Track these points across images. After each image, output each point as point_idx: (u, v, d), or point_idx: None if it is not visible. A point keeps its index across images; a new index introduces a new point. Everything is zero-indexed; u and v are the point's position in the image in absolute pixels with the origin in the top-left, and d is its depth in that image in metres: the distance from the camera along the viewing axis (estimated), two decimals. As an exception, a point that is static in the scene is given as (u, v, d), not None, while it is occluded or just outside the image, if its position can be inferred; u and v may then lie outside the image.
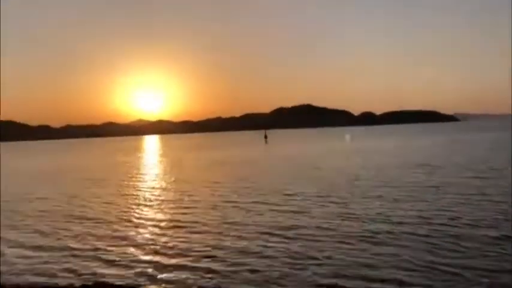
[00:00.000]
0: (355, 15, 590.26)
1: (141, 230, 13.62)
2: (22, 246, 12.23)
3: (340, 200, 16.98)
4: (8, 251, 11.74)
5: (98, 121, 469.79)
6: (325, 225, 12.88)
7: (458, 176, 22.36)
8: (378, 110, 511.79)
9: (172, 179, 28.20)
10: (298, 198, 18.08)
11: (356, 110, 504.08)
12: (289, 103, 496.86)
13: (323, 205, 16.20)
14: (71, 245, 12.04)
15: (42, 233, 13.78)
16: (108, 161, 51.99)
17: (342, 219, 13.58)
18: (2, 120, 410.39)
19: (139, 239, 12.56)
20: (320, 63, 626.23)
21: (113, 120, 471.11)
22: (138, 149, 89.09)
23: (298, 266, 9.38)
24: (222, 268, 9.48)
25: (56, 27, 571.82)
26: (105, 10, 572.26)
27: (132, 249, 11.40)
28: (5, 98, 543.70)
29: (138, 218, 15.58)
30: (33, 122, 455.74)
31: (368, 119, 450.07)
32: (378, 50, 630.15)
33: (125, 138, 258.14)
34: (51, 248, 11.88)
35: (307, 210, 15.35)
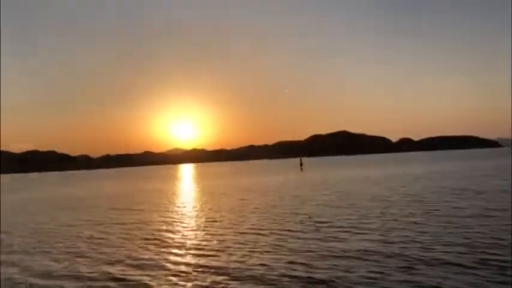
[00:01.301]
0: (391, 40, 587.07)
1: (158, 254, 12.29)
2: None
3: (370, 227, 15.30)
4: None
5: (136, 151, 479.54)
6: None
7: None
8: (416, 136, 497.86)
9: (200, 205, 26.97)
10: (326, 225, 16.47)
11: (394, 137, 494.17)
12: (325, 130, 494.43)
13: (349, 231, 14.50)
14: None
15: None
16: (141, 187, 51.49)
17: (358, 240, 11.87)
18: (43, 151, 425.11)
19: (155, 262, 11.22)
20: (356, 89, 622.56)
21: (150, 149, 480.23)
22: (172, 176, 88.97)
23: None
24: None
25: (97, 58, 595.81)
26: (143, 43, 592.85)
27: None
28: (46, 128, 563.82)
29: (159, 242, 14.30)
30: (74, 152, 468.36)
31: (406, 145, 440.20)
32: (414, 75, 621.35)
33: (161, 166, 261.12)
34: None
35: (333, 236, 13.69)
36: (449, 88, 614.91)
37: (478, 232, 14.09)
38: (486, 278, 9.43)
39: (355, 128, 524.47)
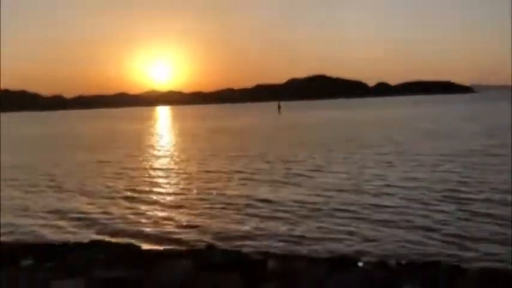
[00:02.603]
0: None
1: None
2: None
3: (339, 169, 15.52)
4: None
5: (111, 92, 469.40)
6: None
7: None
8: (393, 80, 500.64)
9: (171, 148, 26.82)
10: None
11: (371, 81, 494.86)
12: (302, 74, 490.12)
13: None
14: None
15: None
16: (113, 128, 50.81)
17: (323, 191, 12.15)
18: (13, 90, 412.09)
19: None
20: (333, 32, 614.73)
21: (126, 91, 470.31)
22: (146, 118, 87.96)
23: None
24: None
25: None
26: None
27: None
28: (16, 68, 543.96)
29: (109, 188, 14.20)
30: (46, 92, 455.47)
31: (383, 89, 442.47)
32: (392, 20, 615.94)
33: (136, 108, 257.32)
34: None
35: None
36: (427, 34, 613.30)
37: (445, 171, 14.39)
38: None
39: (333, 71, 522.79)
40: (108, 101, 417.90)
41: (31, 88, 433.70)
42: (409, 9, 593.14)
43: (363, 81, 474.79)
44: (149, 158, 21.40)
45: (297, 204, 10.59)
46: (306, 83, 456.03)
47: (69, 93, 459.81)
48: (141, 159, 21.00)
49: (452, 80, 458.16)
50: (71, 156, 23.39)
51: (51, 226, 9.77)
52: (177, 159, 20.49)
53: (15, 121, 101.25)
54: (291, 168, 16.01)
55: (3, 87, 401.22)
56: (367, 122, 42.86)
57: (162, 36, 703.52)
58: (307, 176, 14.36)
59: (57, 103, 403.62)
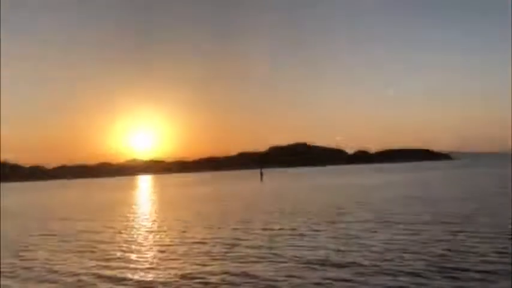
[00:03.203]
0: (350, 54, 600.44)
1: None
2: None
3: (320, 239, 14.91)
4: None
5: (92, 162, 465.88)
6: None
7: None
8: (372, 148, 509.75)
9: (146, 217, 25.92)
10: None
11: (350, 148, 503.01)
12: (284, 141, 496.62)
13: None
14: None
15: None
16: (93, 198, 49.49)
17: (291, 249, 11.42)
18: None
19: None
20: (314, 103, 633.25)
21: (107, 161, 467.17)
22: (128, 187, 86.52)
23: None
24: None
25: (52, 66, 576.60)
26: (101, 53, 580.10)
27: None
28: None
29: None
30: (26, 162, 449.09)
31: (362, 157, 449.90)
32: (372, 90, 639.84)
33: (118, 178, 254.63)
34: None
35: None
36: (405, 103, 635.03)
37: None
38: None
39: (314, 140, 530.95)
40: (90, 171, 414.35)
41: (10, 159, 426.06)
42: (390, 77, 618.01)
43: (343, 148, 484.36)
44: (121, 229, 20.41)
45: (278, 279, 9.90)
46: (287, 150, 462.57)
47: (50, 164, 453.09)
48: (112, 230, 20.01)
49: (430, 148, 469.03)
50: (39, 225, 22.29)
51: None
52: (152, 230, 19.59)
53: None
54: (271, 237, 15.36)
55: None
56: (346, 188, 42.66)
57: (143, 105, 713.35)
58: (289, 246, 13.70)
59: (37, 173, 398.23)
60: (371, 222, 17.80)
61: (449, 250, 11.89)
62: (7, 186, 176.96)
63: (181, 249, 14.08)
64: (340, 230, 16.34)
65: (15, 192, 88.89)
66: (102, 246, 15.55)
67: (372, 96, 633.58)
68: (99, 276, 11.02)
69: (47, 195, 69.01)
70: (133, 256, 13.57)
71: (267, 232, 16.70)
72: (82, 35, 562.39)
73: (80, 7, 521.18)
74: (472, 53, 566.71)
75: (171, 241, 15.88)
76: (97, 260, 13.11)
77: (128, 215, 26.96)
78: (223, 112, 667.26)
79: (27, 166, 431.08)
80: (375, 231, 15.57)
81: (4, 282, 10.93)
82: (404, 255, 11.54)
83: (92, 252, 14.49)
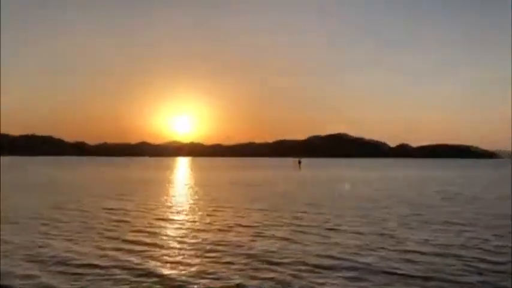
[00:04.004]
0: (395, 45, 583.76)
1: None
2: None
3: (354, 230, 14.49)
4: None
5: (133, 140, 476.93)
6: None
7: None
8: (415, 142, 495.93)
9: (183, 198, 26.19)
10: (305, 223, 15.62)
11: (392, 142, 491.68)
12: (324, 131, 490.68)
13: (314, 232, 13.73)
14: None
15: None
16: (132, 176, 50.68)
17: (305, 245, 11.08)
18: (39, 135, 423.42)
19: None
20: (357, 92, 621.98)
21: (148, 140, 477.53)
22: (166, 168, 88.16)
23: None
24: None
25: (97, 48, 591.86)
26: (144, 38, 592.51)
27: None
28: (43, 113, 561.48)
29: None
30: (70, 138, 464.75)
31: (404, 151, 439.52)
32: (415, 81, 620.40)
33: (157, 158, 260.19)
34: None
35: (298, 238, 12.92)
36: (451, 96, 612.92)
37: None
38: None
39: (354, 131, 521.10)
40: (130, 150, 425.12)
41: (56, 134, 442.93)
42: (434, 72, 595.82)
43: (385, 141, 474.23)
44: (158, 207, 20.72)
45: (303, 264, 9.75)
46: (326, 141, 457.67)
47: (92, 140, 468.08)
48: (149, 208, 20.34)
49: (476, 145, 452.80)
50: (78, 202, 22.97)
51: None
52: (188, 210, 19.79)
53: (43, 165, 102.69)
54: (305, 225, 15.15)
55: (30, 131, 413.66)
56: (386, 182, 41.73)
57: (185, 89, 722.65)
58: (322, 236, 13.47)
59: (80, 149, 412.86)
60: (406, 218, 17.27)
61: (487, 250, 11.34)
62: (52, 159, 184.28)
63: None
64: (374, 222, 15.92)
65: (62, 167, 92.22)
66: (135, 221, 15.82)
67: (416, 88, 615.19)
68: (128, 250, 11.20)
69: (92, 172, 71.15)
70: (163, 231, 13.74)
71: (298, 220, 16.50)
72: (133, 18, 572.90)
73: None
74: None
75: (204, 221, 15.97)
76: (128, 231, 13.34)
77: (168, 195, 27.43)
78: (261, 99, 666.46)
79: (71, 141, 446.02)
80: (411, 228, 15.08)
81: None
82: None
83: (127, 226, 14.74)
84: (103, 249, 11.52)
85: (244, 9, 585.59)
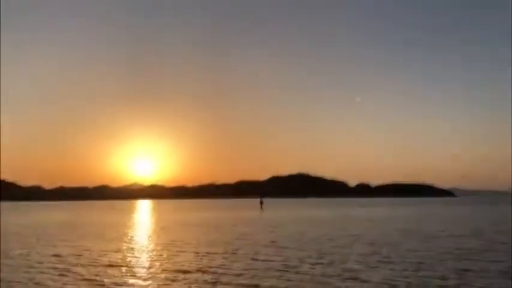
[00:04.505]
0: (353, 89, 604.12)
1: None
2: None
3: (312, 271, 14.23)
4: None
5: (92, 184, 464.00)
6: None
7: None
8: (374, 181, 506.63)
9: (137, 241, 25.27)
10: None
11: (352, 181, 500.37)
12: (285, 171, 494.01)
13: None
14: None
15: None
16: (83, 221, 48.73)
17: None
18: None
19: None
20: (316, 133, 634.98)
21: (107, 183, 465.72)
22: (124, 211, 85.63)
23: None
24: None
25: (54, 87, 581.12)
26: (106, 78, 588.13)
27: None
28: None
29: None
30: (25, 182, 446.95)
31: (364, 190, 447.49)
32: (374, 123, 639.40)
33: (117, 201, 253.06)
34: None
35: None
36: (409, 135, 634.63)
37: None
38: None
39: (314, 170, 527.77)
40: (89, 193, 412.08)
41: (9, 177, 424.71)
42: (393, 112, 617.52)
43: (344, 181, 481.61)
44: (107, 251, 19.75)
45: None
46: (288, 180, 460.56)
47: (48, 184, 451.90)
48: (99, 251, 19.37)
49: (432, 183, 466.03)
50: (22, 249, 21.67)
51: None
52: (140, 254, 18.97)
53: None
54: (263, 268, 14.72)
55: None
56: (346, 221, 41.92)
57: (145, 130, 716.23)
58: (278, 277, 13.08)
59: (36, 194, 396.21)
60: (367, 256, 17.16)
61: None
62: (5, 205, 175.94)
63: (163, 275, 13.48)
64: (333, 262, 15.70)
65: (16, 212, 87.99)
66: (81, 270, 14.95)
67: (374, 129, 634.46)
68: None
69: (46, 216, 68.16)
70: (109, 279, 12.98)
71: (254, 262, 16.08)
72: (88, 52, 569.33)
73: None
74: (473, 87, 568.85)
75: (156, 265, 15.28)
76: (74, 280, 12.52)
77: (122, 237, 26.32)
78: (224, 139, 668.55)
79: (26, 186, 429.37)
80: (373, 266, 14.94)
81: None
82: None
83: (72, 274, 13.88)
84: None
85: (211, 44, 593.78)
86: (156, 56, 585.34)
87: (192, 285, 12.12)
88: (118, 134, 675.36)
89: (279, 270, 14.18)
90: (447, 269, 14.08)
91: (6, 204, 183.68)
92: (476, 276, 12.85)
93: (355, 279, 12.65)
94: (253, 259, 16.82)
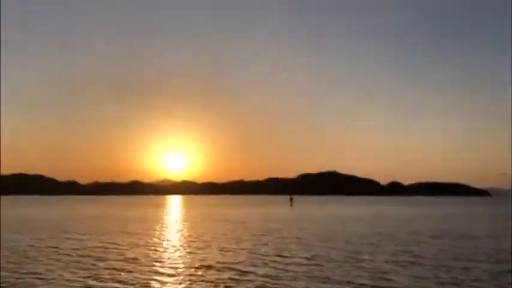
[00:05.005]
0: (387, 91, 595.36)
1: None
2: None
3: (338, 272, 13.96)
4: None
5: (125, 179, 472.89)
6: None
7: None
8: (406, 180, 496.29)
9: (165, 236, 25.51)
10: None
11: (383, 180, 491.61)
12: (315, 169, 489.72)
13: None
14: None
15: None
16: (117, 214, 49.70)
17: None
18: (31, 174, 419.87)
19: None
20: (348, 130, 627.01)
21: (139, 179, 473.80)
22: (155, 205, 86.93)
23: None
24: None
25: (90, 83, 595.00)
26: (136, 74, 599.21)
27: None
28: (35, 152, 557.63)
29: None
30: (62, 177, 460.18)
31: (395, 188, 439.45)
32: (409, 121, 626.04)
33: (148, 197, 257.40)
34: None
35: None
36: (443, 134, 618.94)
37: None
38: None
39: (345, 169, 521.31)
40: (121, 188, 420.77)
41: (48, 173, 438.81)
42: (427, 110, 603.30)
43: (375, 179, 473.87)
44: (133, 246, 20.04)
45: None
46: (317, 178, 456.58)
47: (83, 180, 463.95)
48: (126, 245, 19.68)
49: (467, 183, 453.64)
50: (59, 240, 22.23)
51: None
52: (165, 248, 19.14)
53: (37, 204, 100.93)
54: (290, 263, 14.60)
55: (19, 171, 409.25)
56: (377, 219, 41.19)
57: (176, 127, 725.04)
58: (306, 274, 12.94)
59: (72, 188, 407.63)
60: (396, 256, 16.80)
61: None
62: (45, 198, 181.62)
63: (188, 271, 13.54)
64: (361, 262, 15.43)
65: (52, 206, 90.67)
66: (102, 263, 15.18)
67: (409, 126, 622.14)
68: None
69: (79, 209, 69.92)
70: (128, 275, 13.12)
71: (278, 258, 15.97)
72: (118, 48, 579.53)
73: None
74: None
75: (181, 261, 15.37)
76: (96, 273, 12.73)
77: (151, 232, 26.69)
78: (253, 137, 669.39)
79: (63, 181, 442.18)
80: (400, 265, 14.62)
81: None
82: None
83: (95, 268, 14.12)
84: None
85: (240, 44, 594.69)
86: (190, 53, 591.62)
87: (213, 282, 12.07)
88: (150, 131, 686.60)
89: (301, 266, 14.04)
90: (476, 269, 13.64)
91: (44, 198, 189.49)
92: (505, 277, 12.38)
93: (382, 279, 12.38)
94: (278, 255, 16.72)
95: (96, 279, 12.33)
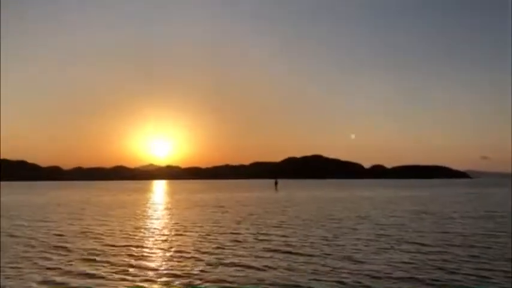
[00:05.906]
0: (369, 70, 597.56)
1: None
2: None
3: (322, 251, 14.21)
4: None
5: (108, 164, 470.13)
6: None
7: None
8: (389, 163, 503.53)
9: (149, 219, 25.56)
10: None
11: (367, 163, 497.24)
12: (299, 153, 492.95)
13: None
14: None
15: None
16: (100, 199, 49.49)
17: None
18: (13, 160, 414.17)
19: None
20: (331, 114, 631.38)
21: (124, 164, 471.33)
22: (138, 190, 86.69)
23: None
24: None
25: (72, 70, 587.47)
26: (122, 60, 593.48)
27: None
28: (16, 138, 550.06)
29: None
30: (45, 163, 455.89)
31: (378, 171, 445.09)
32: (390, 106, 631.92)
33: (133, 182, 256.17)
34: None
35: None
36: (425, 118, 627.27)
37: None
38: None
39: (329, 152, 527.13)
40: (105, 174, 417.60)
41: (30, 159, 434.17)
42: (409, 94, 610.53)
43: (359, 162, 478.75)
44: (114, 231, 20.06)
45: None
46: (302, 162, 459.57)
47: (66, 165, 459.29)
48: (105, 230, 19.68)
49: (447, 165, 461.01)
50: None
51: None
52: (144, 233, 19.18)
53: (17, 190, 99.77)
54: (269, 248, 14.80)
55: (1, 157, 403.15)
56: (357, 202, 41.76)
57: (161, 112, 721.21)
58: (280, 259, 13.14)
59: (55, 174, 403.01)
60: (367, 235, 17.12)
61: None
62: (27, 184, 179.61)
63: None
64: (340, 242, 15.70)
65: (38, 191, 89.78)
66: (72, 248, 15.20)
67: (390, 111, 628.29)
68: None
69: (61, 195, 69.34)
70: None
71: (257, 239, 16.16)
72: (104, 36, 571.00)
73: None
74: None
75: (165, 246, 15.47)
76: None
77: (132, 217, 26.69)
78: (237, 122, 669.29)
79: (45, 166, 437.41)
80: (369, 245, 14.93)
81: None
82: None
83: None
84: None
85: (223, 37, 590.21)
86: (173, 40, 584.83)
87: (187, 268, 12.14)
88: (134, 116, 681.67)
89: (277, 252, 14.25)
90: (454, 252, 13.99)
91: (27, 184, 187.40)
92: (480, 261, 12.74)
93: (356, 261, 12.60)
94: (256, 240, 16.89)
95: (69, 265, 12.34)
